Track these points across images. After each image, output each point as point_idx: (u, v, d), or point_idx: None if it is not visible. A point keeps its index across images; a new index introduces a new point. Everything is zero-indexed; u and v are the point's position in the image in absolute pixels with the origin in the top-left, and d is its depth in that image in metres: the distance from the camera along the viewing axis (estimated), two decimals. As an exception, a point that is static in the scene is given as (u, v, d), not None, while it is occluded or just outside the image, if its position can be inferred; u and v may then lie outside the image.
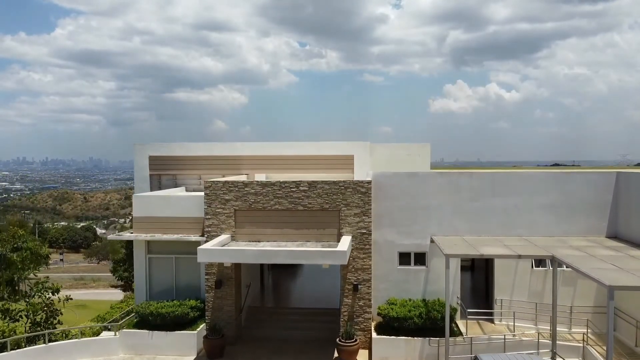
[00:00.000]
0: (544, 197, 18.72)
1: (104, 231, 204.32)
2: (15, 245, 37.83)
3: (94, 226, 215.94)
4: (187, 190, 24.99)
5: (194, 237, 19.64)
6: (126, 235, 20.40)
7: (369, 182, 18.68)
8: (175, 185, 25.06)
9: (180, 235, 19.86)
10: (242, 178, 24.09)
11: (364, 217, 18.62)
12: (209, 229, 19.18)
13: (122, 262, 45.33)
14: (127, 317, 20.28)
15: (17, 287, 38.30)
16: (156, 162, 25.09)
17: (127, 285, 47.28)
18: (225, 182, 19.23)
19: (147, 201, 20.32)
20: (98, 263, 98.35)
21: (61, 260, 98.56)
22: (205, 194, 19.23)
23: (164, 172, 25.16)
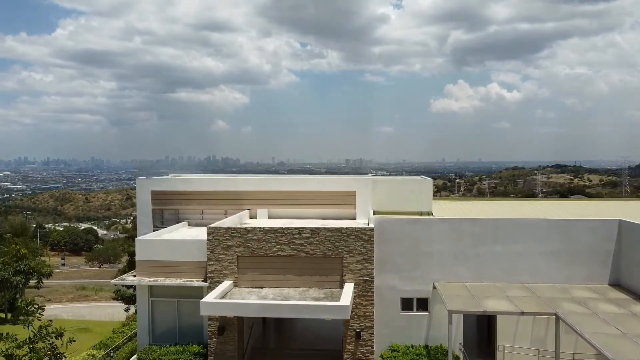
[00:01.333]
0: (547, 244, 18.73)
1: (105, 232, 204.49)
2: (17, 268, 38.10)
3: (96, 227, 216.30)
4: (189, 225, 25.04)
5: (196, 283, 19.67)
6: (129, 280, 20.43)
7: (372, 230, 18.70)
8: (178, 220, 25.08)
9: (183, 279, 19.88)
10: (245, 214, 24.15)
11: (366, 265, 18.65)
12: (212, 275, 19.22)
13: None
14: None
15: (18, 307, 38.53)
16: (158, 197, 25.11)
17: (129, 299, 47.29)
18: (228, 228, 19.26)
19: (150, 245, 20.35)
20: (99, 267, 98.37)
21: (63, 265, 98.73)
22: (207, 240, 19.27)
23: (166, 206, 25.18)
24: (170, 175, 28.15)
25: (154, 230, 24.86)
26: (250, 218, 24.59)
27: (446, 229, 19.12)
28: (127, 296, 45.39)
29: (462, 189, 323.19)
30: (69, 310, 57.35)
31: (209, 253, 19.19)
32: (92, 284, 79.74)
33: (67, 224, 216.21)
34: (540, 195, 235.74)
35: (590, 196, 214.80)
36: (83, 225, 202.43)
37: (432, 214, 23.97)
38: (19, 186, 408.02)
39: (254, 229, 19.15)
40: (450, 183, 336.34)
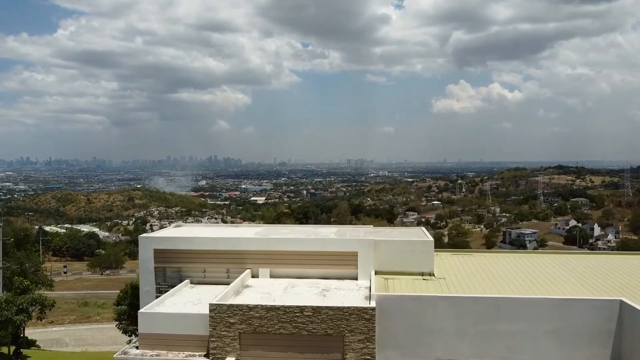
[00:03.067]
0: (548, 323, 18.76)
1: (107, 234, 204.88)
2: (20, 307, 38.24)
3: (97, 229, 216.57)
4: (191, 283, 25.13)
5: (199, 358, 19.74)
6: (132, 353, 20.49)
7: (373, 309, 18.77)
8: (180, 278, 25.18)
9: (186, 354, 19.96)
10: (247, 274, 24.22)
11: (368, 344, 18.72)
12: (214, 351, 19.31)
13: (124, 314, 45.36)
14: None
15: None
16: (161, 256, 25.21)
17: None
18: (230, 305, 19.34)
19: (153, 318, 20.44)
20: (101, 274, 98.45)
21: (65, 273, 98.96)
22: (210, 316, 19.35)
23: (168, 264, 25.27)
24: (172, 225, 28.25)
25: (156, 287, 25.01)
26: (252, 277, 24.69)
27: (448, 307, 19.17)
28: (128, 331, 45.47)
29: (463, 190, 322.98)
30: (72, 333, 57.62)
31: (211, 330, 19.28)
32: (94, 295, 79.76)
33: (69, 226, 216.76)
34: (541, 197, 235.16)
35: (592, 199, 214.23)
36: (85, 228, 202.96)
37: (434, 274, 24.03)
38: (21, 186, 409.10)
39: (255, 306, 19.22)
40: (452, 184, 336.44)
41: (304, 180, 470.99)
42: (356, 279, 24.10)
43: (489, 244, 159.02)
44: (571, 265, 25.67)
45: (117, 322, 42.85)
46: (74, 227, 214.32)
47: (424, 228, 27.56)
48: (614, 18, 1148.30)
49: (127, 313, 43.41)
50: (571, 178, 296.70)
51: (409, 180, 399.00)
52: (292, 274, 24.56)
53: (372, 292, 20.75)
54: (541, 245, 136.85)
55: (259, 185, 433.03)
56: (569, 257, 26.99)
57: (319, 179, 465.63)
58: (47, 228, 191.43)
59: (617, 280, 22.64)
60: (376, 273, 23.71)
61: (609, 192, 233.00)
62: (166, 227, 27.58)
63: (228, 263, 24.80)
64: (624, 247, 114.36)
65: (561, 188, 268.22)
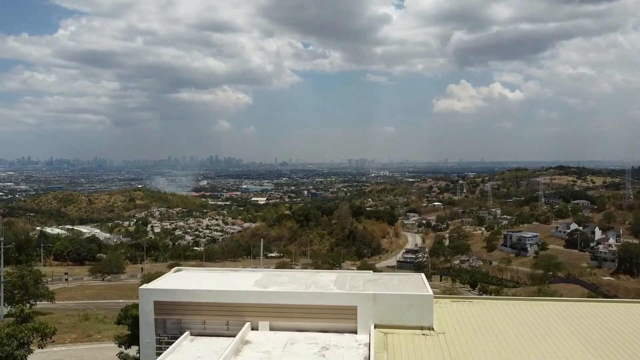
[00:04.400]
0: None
1: (108, 235, 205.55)
2: (21, 341, 38.42)
3: (98, 230, 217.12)
4: (191, 335, 25.21)
5: None
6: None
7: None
8: (180, 330, 25.22)
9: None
10: (247, 328, 24.28)
11: (367, 414, 18.77)
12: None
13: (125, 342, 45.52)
14: None
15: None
16: (161, 307, 25.24)
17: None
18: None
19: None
20: (102, 280, 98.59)
21: (66, 280, 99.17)
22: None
23: (168, 316, 25.31)
24: (172, 270, 28.28)
25: (157, 339, 25.07)
26: (252, 329, 24.75)
27: (446, 376, 19.18)
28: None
29: (464, 190, 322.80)
30: (72, 353, 58.00)
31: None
32: (95, 305, 79.99)
33: (70, 227, 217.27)
34: (543, 199, 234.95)
35: (593, 200, 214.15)
36: (86, 230, 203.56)
37: (433, 329, 24.06)
38: (23, 186, 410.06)
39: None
40: (453, 185, 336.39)
41: (305, 180, 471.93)
42: (356, 332, 24.12)
43: (490, 247, 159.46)
44: (574, 316, 25.69)
45: (117, 343, 43.23)
46: (75, 228, 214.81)
47: (423, 276, 27.54)
48: (615, 18, 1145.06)
49: (127, 337, 43.56)
50: (572, 179, 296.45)
51: (410, 180, 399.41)
52: (291, 327, 24.56)
53: (371, 353, 20.80)
54: (542, 248, 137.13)
55: (259, 186, 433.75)
56: (573, 306, 27.02)
57: (320, 179, 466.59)
58: (48, 229, 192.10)
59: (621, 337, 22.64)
60: (375, 327, 23.72)
61: (611, 192, 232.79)
62: (168, 274, 27.76)
63: (228, 315, 24.80)
64: (625, 251, 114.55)
65: (562, 189, 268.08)
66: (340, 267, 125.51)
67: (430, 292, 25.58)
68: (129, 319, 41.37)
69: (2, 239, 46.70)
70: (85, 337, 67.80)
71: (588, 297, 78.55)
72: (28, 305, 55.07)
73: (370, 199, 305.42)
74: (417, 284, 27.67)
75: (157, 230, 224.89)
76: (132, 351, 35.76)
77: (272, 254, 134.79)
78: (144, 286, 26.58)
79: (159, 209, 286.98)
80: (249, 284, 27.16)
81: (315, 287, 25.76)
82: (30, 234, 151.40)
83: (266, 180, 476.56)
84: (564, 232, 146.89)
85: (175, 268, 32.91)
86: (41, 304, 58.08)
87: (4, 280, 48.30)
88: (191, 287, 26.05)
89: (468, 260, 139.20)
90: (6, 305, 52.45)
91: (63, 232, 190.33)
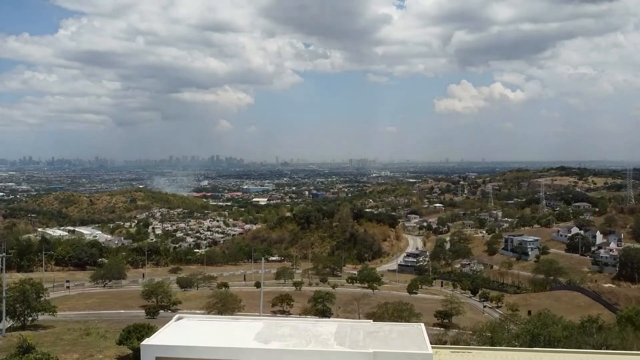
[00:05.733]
0: None
1: (109, 237, 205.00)
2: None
3: (100, 231, 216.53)
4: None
5: None
6: None
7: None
8: (181, 366, 25.22)
9: None
10: None
11: None
12: None
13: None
14: None
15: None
16: None
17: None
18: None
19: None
20: (104, 286, 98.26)
21: (68, 287, 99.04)
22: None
23: None
24: (174, 319, 28.29)
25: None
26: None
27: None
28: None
29: (465, 191, 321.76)
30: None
31: None
32: (96, 316, 79.83)
33: (72, 228, 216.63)
34: (544, 200, 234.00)
35: (594, 202, 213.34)
36: (87, 231, 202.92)
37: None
38: (24, 187, 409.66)
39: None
40: (454, 185, 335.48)
41: (306, 180, 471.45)
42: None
43: (491, 251, 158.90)
44: None
45: None
46: (77, 229, 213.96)
47: (423, 328, 27.25)
48: (616, 18, 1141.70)
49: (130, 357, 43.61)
50: (574, 179, 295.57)
51: (411, 181, 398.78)
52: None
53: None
54: (543, 253, 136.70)
55: (260, 186, 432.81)
56: (574, 358, 26.89)
57: (321, 179, 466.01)
58: (49, 231, 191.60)
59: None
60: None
61: (612, 194, 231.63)
62: (169, 324, 27.41)
63: (229, 365, 24.76)
64: (626, 255, 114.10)
65: (563, 190, 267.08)
66: (341, 271, 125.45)
67: (430, 350, 25.26)
68: (132, 340, 41.36)
69: (4, 255, 46.36)
70: (87, 357, 67.59)
71: (589, 305, 78.37)
72: (30, 319, 54.89)
73: (371, 200, 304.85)
74: (417, 338, 27.38)
75: (158, 232, 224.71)
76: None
77: (273, 258, 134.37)
78: (146, 342, 26.13)
79: (160, 209, 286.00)
80: (250, 338, 27.17)
81: (315, 343, 25.47)
82: (32, 236, 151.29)
83: (267, 181, 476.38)
84: (565, 236, 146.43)
85: (177, 316, 32.59)
86: (42, 317, 57.85)
87: (5, 295, 48.04)
88: (192, 343, 25.95)
89: (469, 264, 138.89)
90: (8, 319, 52.28)
91: (64, 234, 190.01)
